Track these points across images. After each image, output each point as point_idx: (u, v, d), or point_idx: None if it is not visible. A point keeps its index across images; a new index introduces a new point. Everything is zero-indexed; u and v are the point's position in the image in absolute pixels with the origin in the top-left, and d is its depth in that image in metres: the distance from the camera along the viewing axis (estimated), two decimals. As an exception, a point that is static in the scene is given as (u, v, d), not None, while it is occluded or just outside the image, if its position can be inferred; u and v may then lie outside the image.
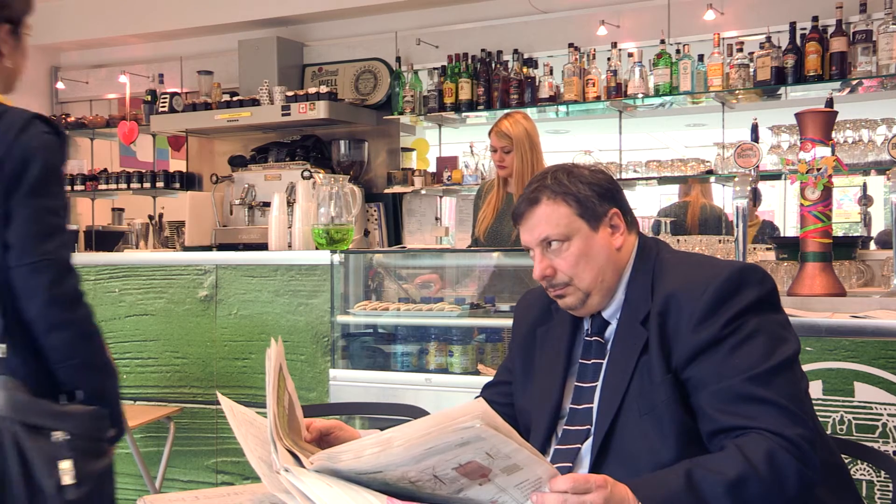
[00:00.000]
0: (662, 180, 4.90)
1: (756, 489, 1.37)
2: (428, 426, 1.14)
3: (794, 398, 1.46)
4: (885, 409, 2.42)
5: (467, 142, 5.35)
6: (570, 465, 1.59)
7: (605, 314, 1.66)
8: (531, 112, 5.12)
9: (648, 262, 1.64)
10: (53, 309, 1.78)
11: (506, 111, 4.97)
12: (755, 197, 6.31)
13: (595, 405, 1.62)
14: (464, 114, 5.08)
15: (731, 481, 1.36)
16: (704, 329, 1.50)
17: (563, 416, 1.66)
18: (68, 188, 6.28)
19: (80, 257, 4.37)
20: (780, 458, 1.40)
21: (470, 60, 5.04)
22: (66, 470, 1.74)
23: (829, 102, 4.15)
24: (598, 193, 1.62)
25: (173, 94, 5.72)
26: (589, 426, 1.61)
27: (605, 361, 1.65)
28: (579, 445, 1.60)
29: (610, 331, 1.66)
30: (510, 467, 1.19)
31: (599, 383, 1.63)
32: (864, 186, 4.75)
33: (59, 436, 1.76)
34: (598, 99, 4.74)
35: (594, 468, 1.56)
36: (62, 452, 1.75)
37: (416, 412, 2.48)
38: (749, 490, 1.37)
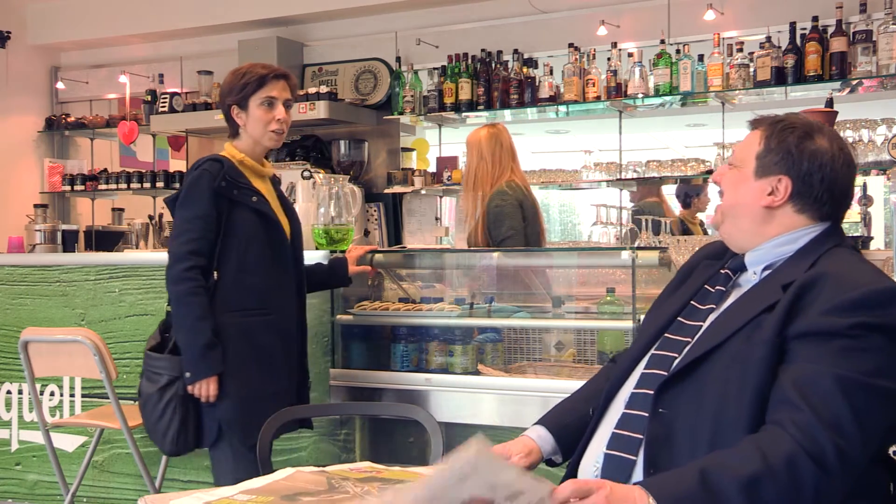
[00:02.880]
0: (663, 180, 4.90)
1: (771, 490, 1.36)
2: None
3: (860, 419, 1.42)
4: (884, 409, 2.42)
5: (467, 142, 5.35)
6: (664, 372, 1.63)
7: (748, 259, 1.72)
8: (531, 112, 5.13)
9: (822, 246, 1.66)
10: (167, 284, 2.65)
11: (507, 111, 4.99)
12: (690, 195, 6.30)
13: (704, 324, 1.67)
14: (464, 114, 5.08)
15: (747, 481, 1.35)
16: (832, 318, 1.49)
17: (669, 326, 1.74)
18: (68, 188, 6.29)
19: (80, 257, 4.38)
20: (801, 463, 1.37)
21: (470, 60, 5.04)
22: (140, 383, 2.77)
23: (829, 102, 4.14)
24: (786, 159, 1.67)
25: (173, 94, 5.72)
26: (690, 339, 1.66)
27: (725, 289, 1.71)
28: (675, 355, 1.65)
29: (744, 277, 1.72)
30: (513, 494, 1.20)
31: (713, 317, 1.68)
32: (864, 186, 4.73)
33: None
34: (598, 99, 4.74)
35: (667, 385, 1.60)
36: (142, 371, 2.77)
37: (416, 412, 2.48)
38: (763, 490, 1.35)
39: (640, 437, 1.59)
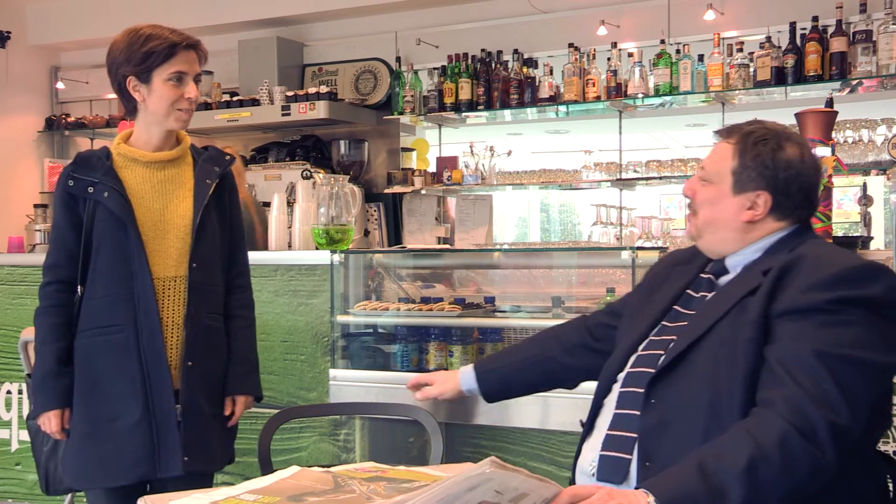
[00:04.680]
0: (663, 180, 4.90)
1: (767, 472, 1.37)
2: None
3: (847, 391, 1.44)
4: (885, 409, 2.42)
5: (467, 142, 5.36)
6: (652, 369, 1.65)
7: (729, 262, 1.74)
8: (531, 112, 5.13)
9: (798, 237, 1.70)
10: None
11: (507, 111, 5.00)
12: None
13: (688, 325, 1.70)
14: (464, 114, 5.08)
15: (743, 467, 1.36)
16: (812, 294, 1.53)
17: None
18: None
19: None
20: (793, 442, 1.39)
21: (470, 60, 5.04)
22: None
23: (829, 102, 4.14)
24: (763, 174, 1.68)
25: (173, 94, 5.71)
26: (675, 337, 1.68)
27: (709, 295, 1.73)
28: (662, 352, 1.67)
29: (725, 279, 1.74)
30: (517, 497, 1.22)
31: (699, 309, 1.70)
32: (864, 186, 4.74)
33: None
34: (598, 99, 4.75)
35: (658, 377, 1.63)
36: None
37: (416, 412, 2.48)
38: (761, 473, 1.37)
39: (634, 435, 1.61)
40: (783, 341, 1.51)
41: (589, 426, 1.75)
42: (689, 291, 1.77)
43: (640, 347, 1.74)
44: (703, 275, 1.78)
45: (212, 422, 2.37)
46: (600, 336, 1.99)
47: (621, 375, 1.73)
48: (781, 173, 1.67)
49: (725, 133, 1.75)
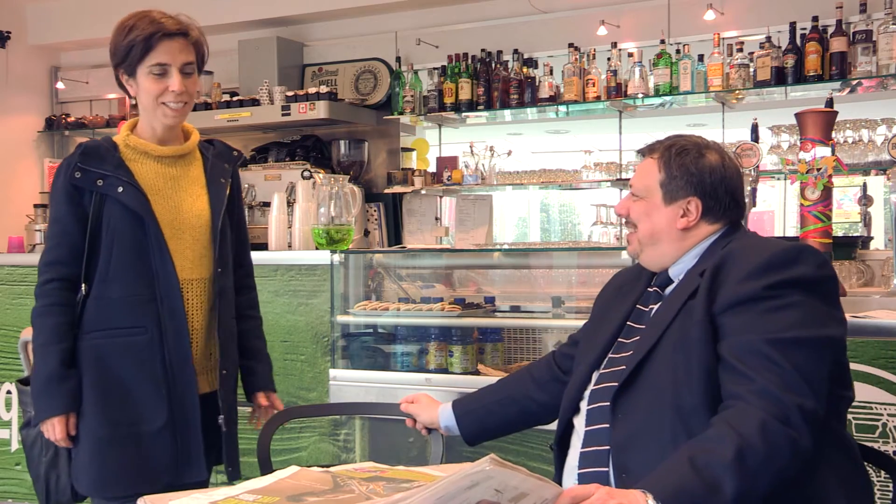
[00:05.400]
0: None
1: (754, 460, 1.42)
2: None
3: (805, 372, 1.50)
4: (885, 409, 2.43)
5: (467, 142, 5.35)
6: (616, 383, 1.70)
7: (672, 272, 1.80)
8: (531, 112, 5.13)
9: (728, 237, 1.76)
10: None
11: (507, 111, 4.99)
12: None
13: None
14: (464, 114, 5.08)
15: (731, 457, 1.41)
16: (748, 284, 1.59)
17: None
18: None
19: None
20: (773, 428, 1.44)
21: (470, 60, 5.04)
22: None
23: (829, 102, 4.14)
24: (690, 181, 1.76)
25: (173, 94, 5.71)
26: (632, 352, 1.73)
27: (657, 306, 1.78)
28: (624, 367, 1.72)
29: (670, 288, 1.79)
30: (517, 496, 1.22)
31: (649, 322, 1.76)
32: (864, 186, 4.74)
33: None
34: (598, 99, 4.74)
35: (621, 390, 1.68)
36: None
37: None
38: (748, 461, 1.42)
39: (608, 448, 1.67)
40: (733, 336, 1.57)
41: (563, 447, 1.81)
42: (639, 306, 1.84)
43: (602, 366, 1.80)
44: (649, 289, 1.84)
45: (236, 428, 2.37)
46: (567, 368, 2.03)
47: (586, 393, 1.79)
48: (707, 178, 1.75)
49: (647, 150, 1.84)
